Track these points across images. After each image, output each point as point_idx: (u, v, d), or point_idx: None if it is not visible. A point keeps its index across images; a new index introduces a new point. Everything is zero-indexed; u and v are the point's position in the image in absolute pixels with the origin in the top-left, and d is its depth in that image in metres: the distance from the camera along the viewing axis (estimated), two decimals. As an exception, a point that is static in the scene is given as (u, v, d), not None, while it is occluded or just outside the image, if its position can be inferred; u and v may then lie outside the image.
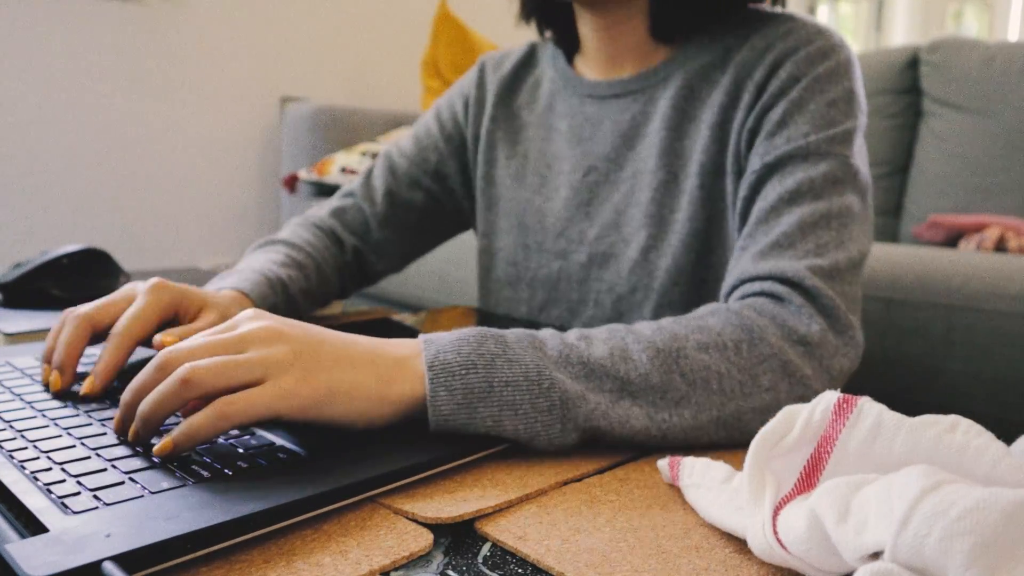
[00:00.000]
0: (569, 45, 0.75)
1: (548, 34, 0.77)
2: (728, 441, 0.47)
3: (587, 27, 0.71)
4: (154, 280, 0.53)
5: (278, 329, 0.41)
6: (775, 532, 0.30)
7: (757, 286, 0.54)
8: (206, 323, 0.54)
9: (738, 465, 0.34)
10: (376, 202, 0.81)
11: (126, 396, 0.39)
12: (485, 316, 0.77)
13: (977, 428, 0.29)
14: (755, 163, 0.60)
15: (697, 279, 0.66)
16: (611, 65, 0.71)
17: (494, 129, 0.79)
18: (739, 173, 0.63)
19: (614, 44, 0.70)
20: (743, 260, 0.57)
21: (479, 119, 0.81)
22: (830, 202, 0.56)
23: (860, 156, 0.60)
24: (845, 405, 0.31)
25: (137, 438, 0.38)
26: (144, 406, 0.38)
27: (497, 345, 0.43)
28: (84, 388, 0.46)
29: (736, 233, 0.62)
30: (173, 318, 0.53)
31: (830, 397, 0.32)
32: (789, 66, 0.61)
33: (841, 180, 0.57)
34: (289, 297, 0.67)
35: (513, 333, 0.45)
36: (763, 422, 0.44)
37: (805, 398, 0.49)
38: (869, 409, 0.30)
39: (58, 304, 0.75)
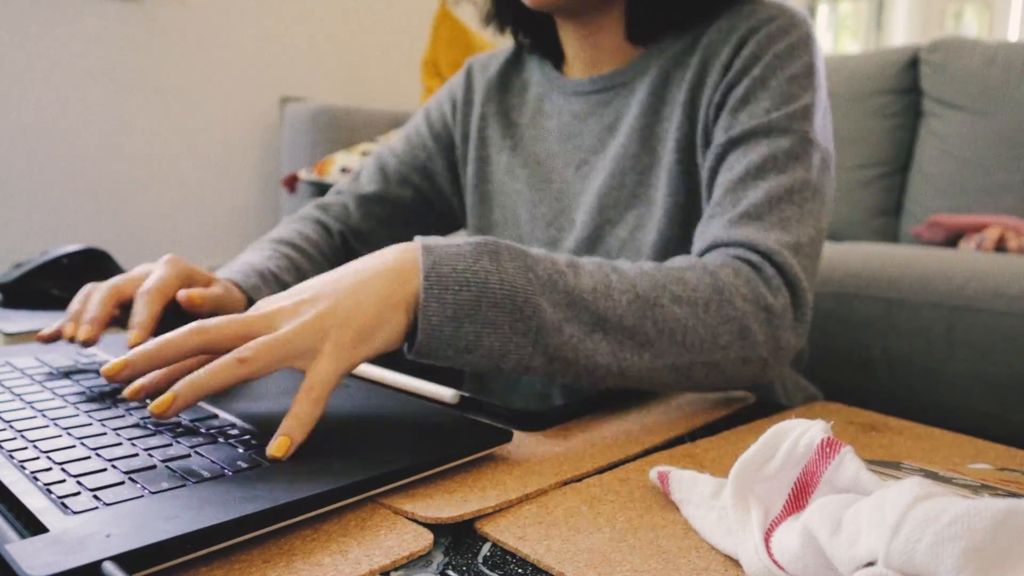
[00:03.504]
0: (552, 53, 0.77)
1: (525, 40, 0.79)
2: (672, 386, 0.51)
3: (568, 34, 0.74)
4: (168, 256, 0.59)
5: (296, 302, 0.42)
6: (770, 553, 0.30)
7: (732, 251, 0.56)
8: (217, 292, 0.59)
9: (722, 471, 0.34)
10: (366, 197, 0.84)
11: (150, 347, 0.40)
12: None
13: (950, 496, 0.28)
14: (719, 136, 0.63)
15: (684, 251, 0.68)
16: (592, 66, 0.74)
17: (484, 127, 0.81)
18: (708, 146, 0.66)
19: (594, 48, 0.73)
20: (713, 226, 0.59)
21: (467, 118, 0.83)
22: (792, 176, 0.59)
23: (821, 129, 0.63)
24: (828, 449, 0.31)
25: (170, 407, 0.38)
26: (201, 375, 0.38)
27: (491, 262, 0.45)
28: (130, 340, 0.50)
29: (703, 201, 0.65)
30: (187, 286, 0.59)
31: (815, 433, 0.32)
32: (752, 44, 0.64)
33: (801, 155, 0.60)
34: (283, 285, 0.70)
35: (508, 249, 0.46)
36: (707, 375, 0.51)
37: (749, 361, 0.53)
38: (850, 462, 0.31)
39: (58, 304, 0.75)
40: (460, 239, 0.46)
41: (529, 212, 0.77)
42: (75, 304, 0.56)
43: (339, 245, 0.83)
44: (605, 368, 0.47)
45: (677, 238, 0.68)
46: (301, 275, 0.74)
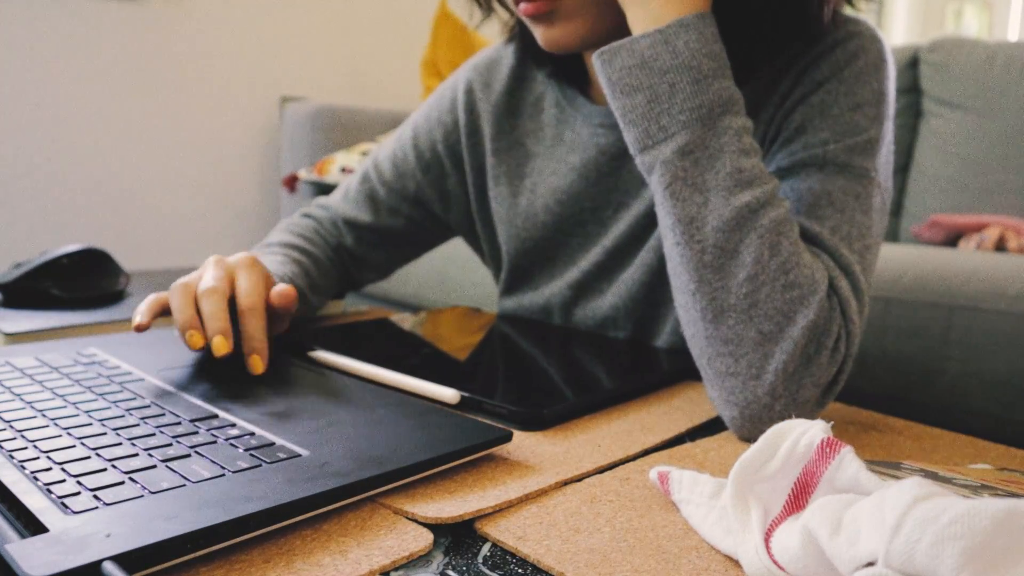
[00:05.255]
0: (575, 79, 0.70)
1: (549, 69, 0.72)
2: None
3: None
4: (246, 257, 0.58)
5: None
6: (770, 554, 0.30)
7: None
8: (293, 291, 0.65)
9: (722, 471, 0.34)
10: (356, 225, 0.81)
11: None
12: (486, 316, 0.77)
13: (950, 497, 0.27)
14: (769, 166, 0.58)
15: None
16: None
17: (498, 163, 0.75)
18: None
19: None
20: None
21: (477, 149, 0.77)
22: (851, 220, 0.53)
23: (884, 165, 0.57)
24: (828, 449, 0.31)
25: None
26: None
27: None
28: (257, 369, 0.52)
29: None
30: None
31: (815, 433, 0.32)
32: (814, 72, 0.57)
33: (860, 195, 0.54)
34: (306, 302, 0.71)
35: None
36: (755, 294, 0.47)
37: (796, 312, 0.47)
38: (850, 462, 0.30)
39: (58, 304, 0.75)
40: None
41: (566, 255, 0.73)
42: (183, 311, 0.53)
43: (337, 260, 0.80)
44: (701, 205, 0.48)
45: None
46: (311, 280, 0.72)
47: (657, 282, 0.67)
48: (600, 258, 0.69)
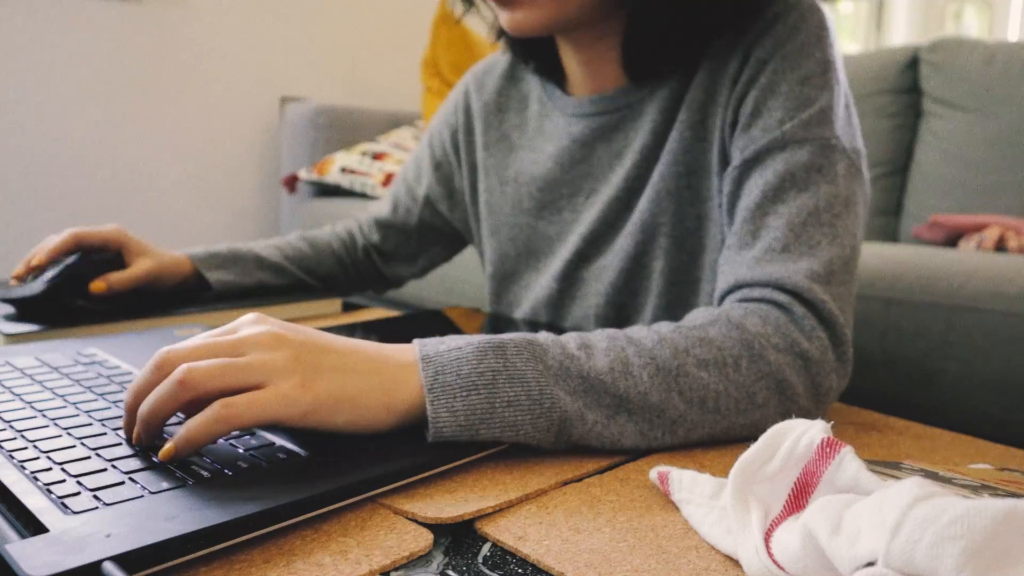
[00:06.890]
0: (554, 74, 0.73)
1: (530, 62, 0.74)
2: (710, 445, 0.48)
3: (567, 54, 0.70)
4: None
5: (279, 334, 0.40)
6: (770, 553, 0.30)
7: (757, 292, 0.52)
8: (138, 269, 0.73)
9: (722, 471, 0.34)
10: (379, 222, 0.89)
11: (127, 398, 0.39)
12: (486, 316, 0.77)
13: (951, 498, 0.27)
14: (736, 158, 0.59)
15: (693, 278, 0.66)
16: (595, 86, 0.70)
17: (487, 157, 0.78)
18: (726, 170, 0.61)
19: (596, 75, 0.69)
20: (736, 264, 0.56)
21: (471, 146, 0.80)
22: (816, 194, 0.55)
23: (844, 129, 0.58)
24: (828, 449, 0.31)
25: (140, 441, 0.38)
26: (143, 408, 0.37)
27: (497, 359, 0.42)
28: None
29: (724, 229, 0.61)
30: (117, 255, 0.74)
31: (815, 433, 0.32)
32: (758, 50, 0.59)
33: (823, 166, 0.56)
34: (269, 265, 0.81)
35: (513, 342, 0.43)
36: (747, 435, 0.47)
37: (789, 413, 0.49)
38: (850, 462, 0.30)
39: (84, 316, 0.68)
40: (460, 339, 0.43)
41: (547, 247, 0.74)
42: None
43: (362, 258, 0.89)
44: (634, 449, 0.45)
45: (686, 264, 0.65)
46: (294, 263, 0.83)
47: (634, 267, 0.67)
48: (578, 246, 0.71)
